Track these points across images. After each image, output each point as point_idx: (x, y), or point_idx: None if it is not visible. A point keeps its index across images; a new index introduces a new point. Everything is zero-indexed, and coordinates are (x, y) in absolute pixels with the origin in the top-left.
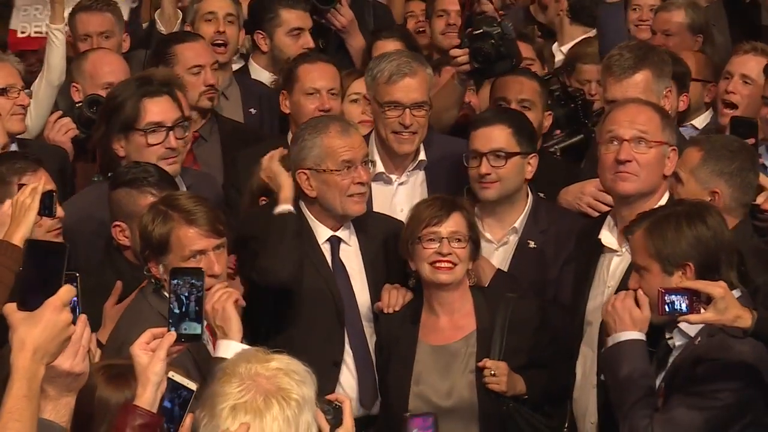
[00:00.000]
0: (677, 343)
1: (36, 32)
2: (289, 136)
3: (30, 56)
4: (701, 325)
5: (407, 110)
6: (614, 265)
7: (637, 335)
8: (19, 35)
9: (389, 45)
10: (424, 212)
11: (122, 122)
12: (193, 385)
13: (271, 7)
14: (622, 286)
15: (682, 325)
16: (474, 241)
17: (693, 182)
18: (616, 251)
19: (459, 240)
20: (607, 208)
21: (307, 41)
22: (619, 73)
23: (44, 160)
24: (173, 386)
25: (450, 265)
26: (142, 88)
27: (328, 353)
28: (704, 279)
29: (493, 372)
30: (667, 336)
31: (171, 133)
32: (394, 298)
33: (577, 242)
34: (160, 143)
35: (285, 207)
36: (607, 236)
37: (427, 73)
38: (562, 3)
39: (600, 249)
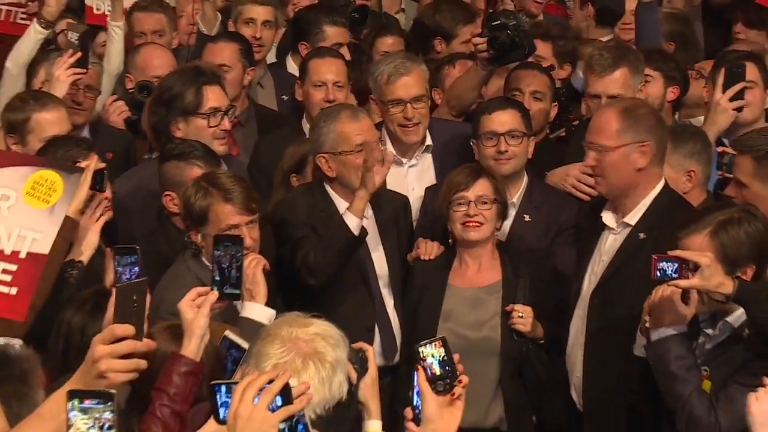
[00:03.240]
0: (717, 333)
1: (109, 11)
2: (303, 121)
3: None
4: (744, 318)
5: (408, 105)
6: (610, 242)
7: (683, 329)
8: (95, 12)
9: (388, 40)
10: (454, 179)
11: (183, 107)
12: (245, 345)
13: (317, 23)
14: (615, 260)
15: (730, 318)
16: (501, 202)
17: (668, 169)
18: (613, 229)
19: (485, 202)
20: (589, 189)
21: (345, 53)
22: (600, 70)
23: (112, 144)
24: (228, 344)
25: (477, 224)
26: (200, 77)
27: (362, 320)
28: (760, 278)
29: (521, 314)
30: (703, 326)
31: (225, 116)
32: (430, 247)
33: (583, 218)
34: (216, 126)
35: (357, 223)
36: (608, 216)
37: (421, 68)
38: (589, 9)
39: (601, 227)
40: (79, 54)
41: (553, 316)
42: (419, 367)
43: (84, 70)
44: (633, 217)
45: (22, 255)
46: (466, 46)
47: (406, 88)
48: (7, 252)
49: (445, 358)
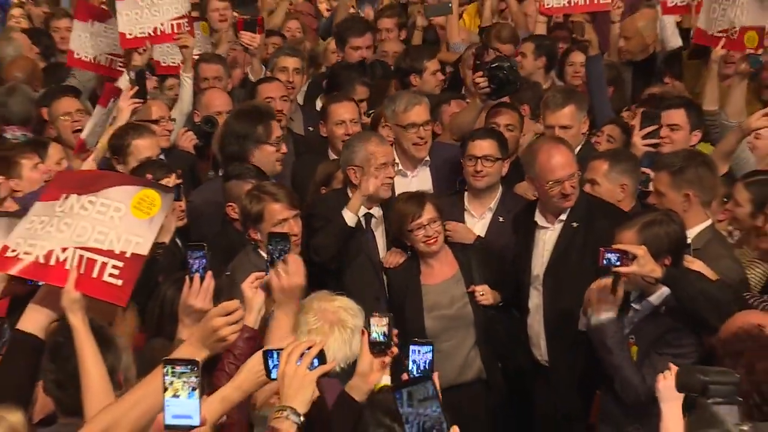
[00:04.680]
0: (641, 309)
1: (172, 63)
2: (329, 151)
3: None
4: (664, 297)
5: (421, 127)
6: (549, 235)
7: (614, 313)
8: (162, 65)
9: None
10: (405, 210)
11: (257, 138)
12: None
13: (351, 81)
14: (558, 246)
15: (651, 298)
16: (441, 217)
17: (606, 182)
18: (548, 227)
19: (435, 221)
20: None
21: (364, 106)
22: (553, 107)
23: (181, 164)
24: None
25: (435, 240)
26: (265, 116)
27: (372, 291)
28: (676, 266)
29: (482, 293)
30: (633, 303)
31: (283, 143)
32: (392, 257)
33: (517, 221)
34: (280, 150)
35: (351, 217)
36: (540, 218)
37: (427, 101)
38: (542, 59)
39: (535, 226)
40: (136, 88)
41: (503, 285)
42: (365, 332)
43: (142, 101)
44: (564, 215)
45: (128, 255)
46: (434, 76)
47: (418, 114)
48: (117, 252)
49: (386, 331)
